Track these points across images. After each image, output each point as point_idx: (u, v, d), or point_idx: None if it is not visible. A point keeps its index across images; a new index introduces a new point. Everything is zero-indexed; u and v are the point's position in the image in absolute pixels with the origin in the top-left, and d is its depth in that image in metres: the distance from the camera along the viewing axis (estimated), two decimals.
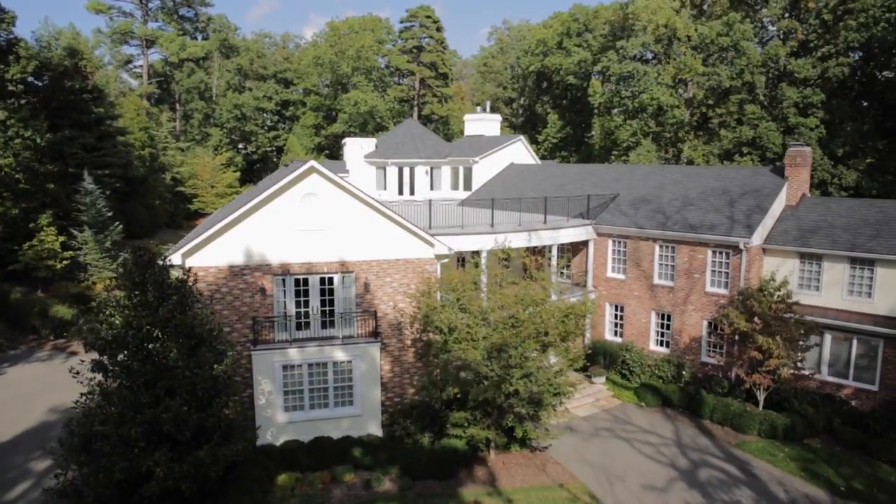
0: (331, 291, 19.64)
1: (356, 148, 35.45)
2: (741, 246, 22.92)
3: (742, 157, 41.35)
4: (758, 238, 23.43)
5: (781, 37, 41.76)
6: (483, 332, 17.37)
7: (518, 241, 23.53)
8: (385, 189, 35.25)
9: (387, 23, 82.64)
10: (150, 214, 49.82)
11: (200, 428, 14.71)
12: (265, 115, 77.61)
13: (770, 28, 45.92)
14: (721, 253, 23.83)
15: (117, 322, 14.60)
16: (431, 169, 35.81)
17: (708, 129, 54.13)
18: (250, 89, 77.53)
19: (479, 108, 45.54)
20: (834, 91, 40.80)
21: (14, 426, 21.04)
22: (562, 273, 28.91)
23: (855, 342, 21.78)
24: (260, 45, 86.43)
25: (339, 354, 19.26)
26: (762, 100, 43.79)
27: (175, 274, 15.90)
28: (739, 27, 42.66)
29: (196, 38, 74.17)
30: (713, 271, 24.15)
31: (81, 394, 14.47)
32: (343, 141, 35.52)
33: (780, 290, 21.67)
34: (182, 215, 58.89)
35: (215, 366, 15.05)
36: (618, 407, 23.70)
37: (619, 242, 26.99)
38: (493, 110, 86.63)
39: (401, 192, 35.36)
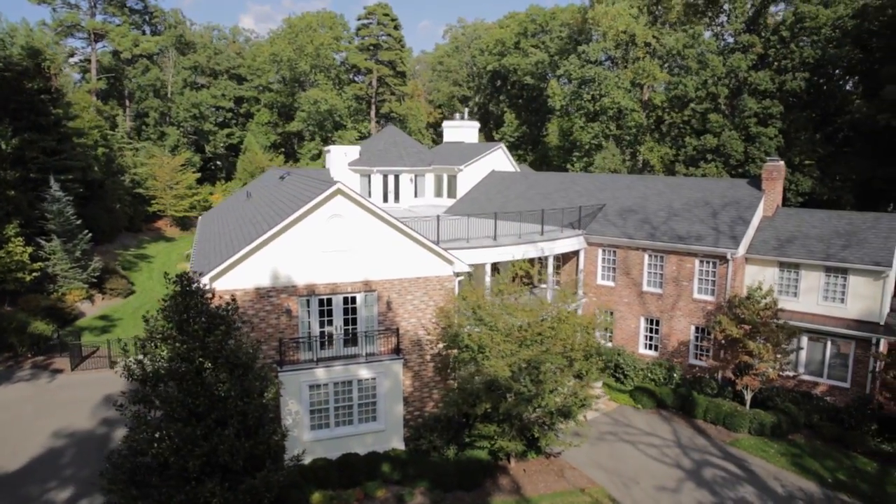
0: (354, 310, 19.95)
1: (340, 155, 35.15)
2: (728, 256, 24.55)
3: (707, 164, 43.70)
4: (742, 248, 25.12)
5: (741, 49, 44.16)
6: (510, 349, 18.12)
7: (519, 252, 24.38)
8: (370, 197, 35.38)
9: (342, 19, 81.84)
10: (110, 218, 48.02)
11: (250, 455, 14.88)
12: (219, 112, 75.54)
13: (728, 39, 48.42)
14: (708, 262, 25.42)
15: (163, 353, 14.54)
16: (416, 176, 36.21)
17: (661, 131, 56.61)
18: (205, 86, 75.24)
19: (457, 115, 46.15)
20: (790, 103, 43.58)
21: (20, 454, 20.34)
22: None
23: (829, 344, 23.84)
24: (210, 39, 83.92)
25: (364, 372, 19.63)
26: (724, 109, 46.28)
27: (216, 301, 15.88)
28: (704, 40, 44.95)
29: (145, 32, 71.28)
30: (700, 279, 25.74)
31: (130, 427, 14.35)
32: (326, 148, 35.33)
33: (766, 297, 23.39)
34: (141, 218, 56.88)
35: (265, 394, 15.20)
36: (616, 410, 25.00)
37: (609, 252, 28.26)
38: (449, 108, 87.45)
39: (385, 200, 35.59)
